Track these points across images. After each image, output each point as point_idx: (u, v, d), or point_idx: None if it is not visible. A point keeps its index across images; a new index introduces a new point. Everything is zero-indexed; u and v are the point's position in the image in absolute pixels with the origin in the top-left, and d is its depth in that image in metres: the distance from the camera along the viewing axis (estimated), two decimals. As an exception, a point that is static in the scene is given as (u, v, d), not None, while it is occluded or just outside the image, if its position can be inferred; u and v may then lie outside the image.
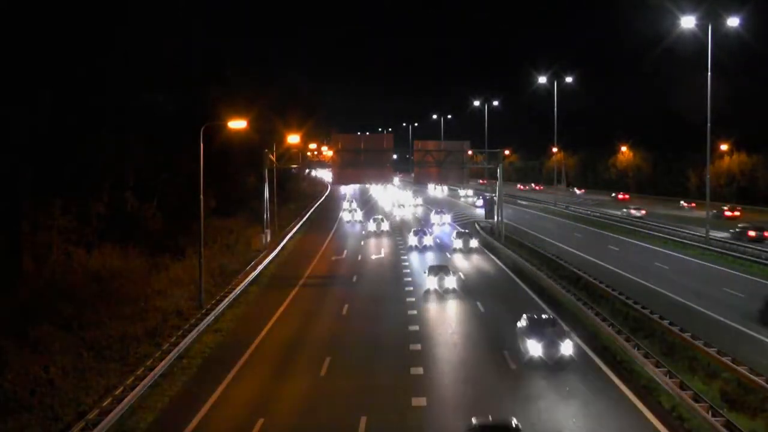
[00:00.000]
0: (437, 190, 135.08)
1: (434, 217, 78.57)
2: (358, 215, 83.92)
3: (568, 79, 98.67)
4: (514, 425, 18.11)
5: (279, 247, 57.58)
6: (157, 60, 53.33)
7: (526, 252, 53.19)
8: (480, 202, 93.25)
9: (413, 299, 38.75)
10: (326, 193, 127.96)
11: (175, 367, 26.29)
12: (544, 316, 28.97)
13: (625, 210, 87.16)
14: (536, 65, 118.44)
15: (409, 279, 45.06)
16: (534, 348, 25.76)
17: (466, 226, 71.26)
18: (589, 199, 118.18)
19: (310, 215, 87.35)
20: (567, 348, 25.80)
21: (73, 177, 43.18)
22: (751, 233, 61.07)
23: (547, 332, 26.39)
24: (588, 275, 42.31)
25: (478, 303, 37.42)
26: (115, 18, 46.65)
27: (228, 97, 63.99)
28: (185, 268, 43.48)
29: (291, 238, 65.33)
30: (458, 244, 57.30)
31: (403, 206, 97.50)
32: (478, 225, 72.38)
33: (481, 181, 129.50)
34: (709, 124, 57.13)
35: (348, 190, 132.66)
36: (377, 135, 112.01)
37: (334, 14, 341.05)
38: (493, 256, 54.04)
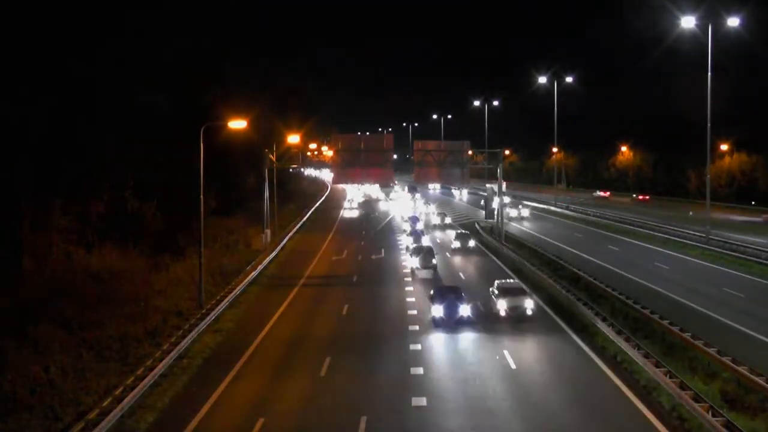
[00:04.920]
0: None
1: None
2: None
3: (569, 79, 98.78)
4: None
5: (279, 247, 57.60)
6: (157, 60, 53.35)
7: (526, 251, 53.27)
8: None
9: (413, 299, 38.75)
10: (326, 193, 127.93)
11: (175, 367, 26.28)
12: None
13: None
14: (536, 65, 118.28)
15: (409, 279, 45.07)
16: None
17: (466, 228, 71.21)
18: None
19: (310, 215, 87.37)
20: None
21: (73, 177, 43.17)
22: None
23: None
24: (588, 275, 42.38)
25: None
26: (116, 18, 46.66)
27: (228, 97, 64.01)
28: (185, 268, 43.48)
29: (291, 237, 65.35)
30: None
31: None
32: (478, 225, 72.57)
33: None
34: (709, 124, 57.12)
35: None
36: (377, 135, 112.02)
37: (334, 14, 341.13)
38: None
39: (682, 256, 54.33)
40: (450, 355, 28.67)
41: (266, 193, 62.12)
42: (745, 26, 60.18)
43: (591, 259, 52.51)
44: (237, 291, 39.26)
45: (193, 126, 38.79)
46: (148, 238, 48.12)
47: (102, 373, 24.96)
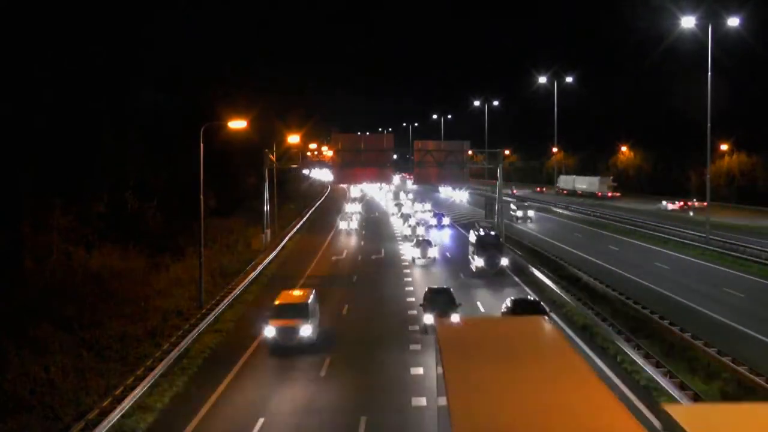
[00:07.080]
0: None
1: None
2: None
3: (569, 79, 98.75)
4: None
5: (279, 247, 57.56)
6: (158, 60, 53.43)
7: (526, 251, 53.30)
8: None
9: (413, 299, 38.73)
10: (326, 193, 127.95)
11: (175, 367, 26.30)
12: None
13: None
14: (537, 65, 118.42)
15: (409, 279, 45.06)
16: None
17: (467, 226, 71.14)
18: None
19: (310, 215, 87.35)
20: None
21: (73, 177, 43.18)
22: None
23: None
24: (588, 275, 42.36)
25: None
26: (117, 18, 46.70)
27: (228, 97, 64.08)
28: (185, 268, 43.46)
29: (291, 238, 65.31)
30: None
31: None
32: (478, 224, 72.40)
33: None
34: (709, 124, 57.08)
35: None
36: (377, 135, 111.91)
37: (334, 14, 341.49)
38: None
39: (683, 257, 54.31)
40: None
41: (266, 193, 62.10)
42: (745, 26, 60.23)
43: (591, 259, 52.48)
44: (237, 291, 39.26)
45: (193, 126, 38.80)
46: (148, 238, 48.11)
47: (102, 373, 24.99)
